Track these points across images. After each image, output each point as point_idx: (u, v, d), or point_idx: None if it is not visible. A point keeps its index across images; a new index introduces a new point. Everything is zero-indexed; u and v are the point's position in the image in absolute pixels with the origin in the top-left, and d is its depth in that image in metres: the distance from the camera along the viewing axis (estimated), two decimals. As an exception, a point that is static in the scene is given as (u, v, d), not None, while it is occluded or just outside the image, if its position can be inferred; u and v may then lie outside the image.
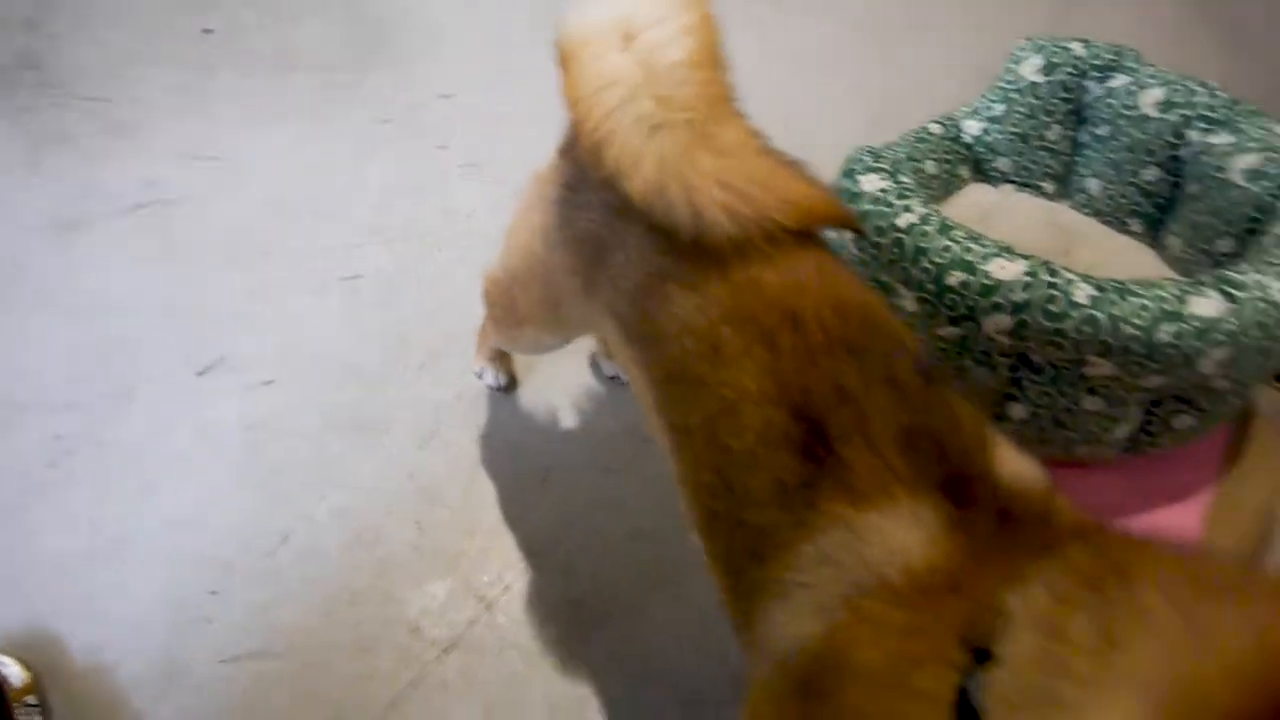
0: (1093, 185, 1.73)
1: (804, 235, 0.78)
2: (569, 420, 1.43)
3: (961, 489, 0.63)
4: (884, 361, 0.70)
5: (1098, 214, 1.73)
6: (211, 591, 1.19)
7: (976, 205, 1.73)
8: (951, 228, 1.21)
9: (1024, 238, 1.67)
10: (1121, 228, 1.71)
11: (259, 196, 1.67)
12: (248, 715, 1.10)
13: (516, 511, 1.30)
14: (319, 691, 1.13)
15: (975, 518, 0.61)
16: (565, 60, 0.79)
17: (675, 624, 1.21)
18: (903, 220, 1.24)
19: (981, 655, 0.51)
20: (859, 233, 0.82)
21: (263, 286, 1.54)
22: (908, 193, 1.27)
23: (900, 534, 0.62)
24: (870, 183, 1.32)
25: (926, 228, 1.21)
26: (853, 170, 1.37)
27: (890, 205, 1.26)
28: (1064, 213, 1.75)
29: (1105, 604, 0.46)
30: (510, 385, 1.44)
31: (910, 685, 0.54)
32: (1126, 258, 1.62)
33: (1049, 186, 1.79)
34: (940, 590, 0.58)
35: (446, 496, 1.31)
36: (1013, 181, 1.78)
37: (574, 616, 1.21)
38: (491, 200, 1.64)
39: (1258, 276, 1.13)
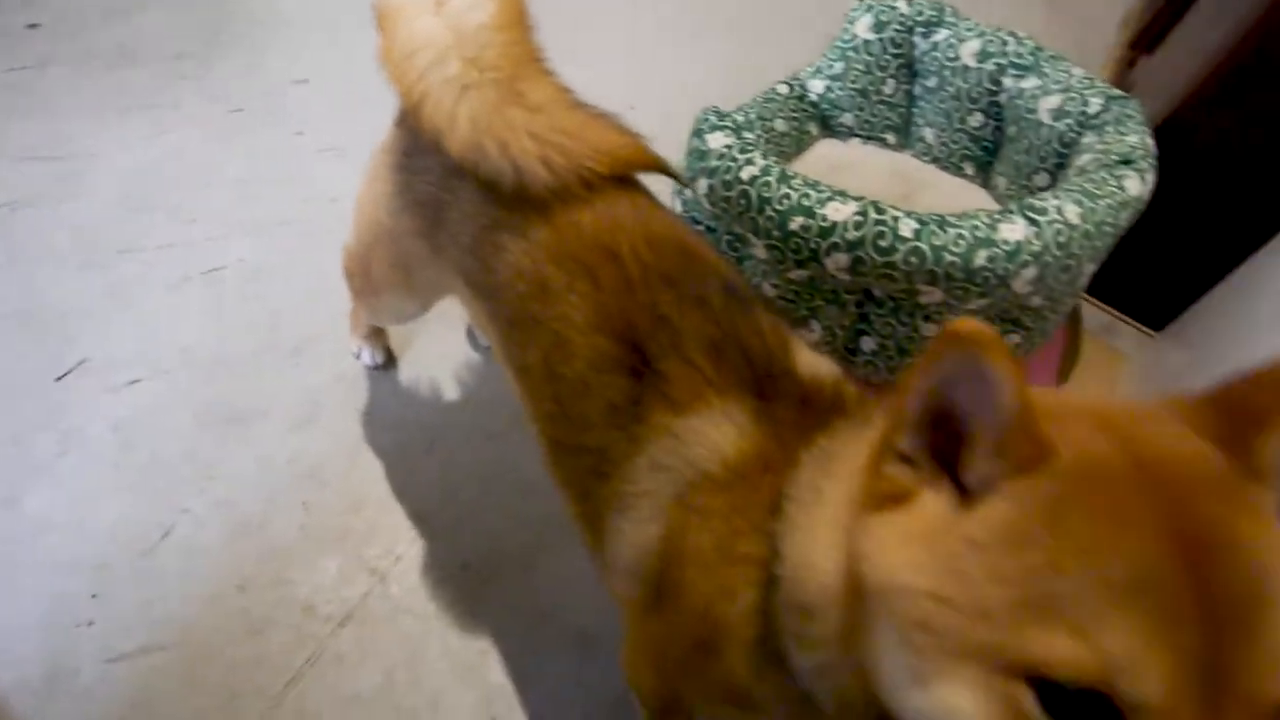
0: (928, 134, 1.86)
1: (620, 180, 0.84)
2: (449, 391, 1.46)
3: (767, 386, 0.71)
4: (694, 286, 0.76)
5: (935, 161, 1.87)
6: (92, 594, 1.17)
7: (825, 159, 1.84)
8: (790, 177, 1.30)
9: (870, 188, 1.78)
10: (957, 172, 1.86)
11: (108, 194, 1.61)
12: (141, 711, 1.10)
13: (402, 483, 1.33)
14: (213, 679, 1.13)
15: (778, 408, 0.69)
16: (381, 24, 0.82)
17: (565, 574, 1.27)
18: (746, 173, 1.32)
19: None
20: (672, 176, 0.89)
21: (120, 285, 1.49)
22: (750, 148, 1.35)
23: (715, 432, 0.69)
24: (716, 140, 1.39)
25: (768, 178, 1.30)
26: (700, 130, 1.44)
27: (735, 160, 1.34)
28: (905, 162, 1.89)
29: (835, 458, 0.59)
30: (388, 362, 1.46)
31: (734, 554, 0.63)
32: (962, 199, 1.76)
33: (891, 138, 1.91)
34: (753, 473, 0.66)
35: (330, 476, 1.32)
36: (858, 136, 1.90)
37: (466, 577, 1.25)
38: (354, 184, 1.62)
39: (1056, 202, 1.26)
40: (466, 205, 0.87)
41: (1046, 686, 0.39)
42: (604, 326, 0.76)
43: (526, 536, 1.30)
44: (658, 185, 1.80)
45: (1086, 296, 1.83)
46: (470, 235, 0.87)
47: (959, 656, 0.41)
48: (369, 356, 1.43)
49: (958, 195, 1.81)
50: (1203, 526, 0.41)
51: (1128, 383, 1.80)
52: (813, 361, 0.75)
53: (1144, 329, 1.81)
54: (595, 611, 1.23)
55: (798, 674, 0.60)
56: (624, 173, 0.84)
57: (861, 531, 0.48)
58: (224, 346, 1.44)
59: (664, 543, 0.70)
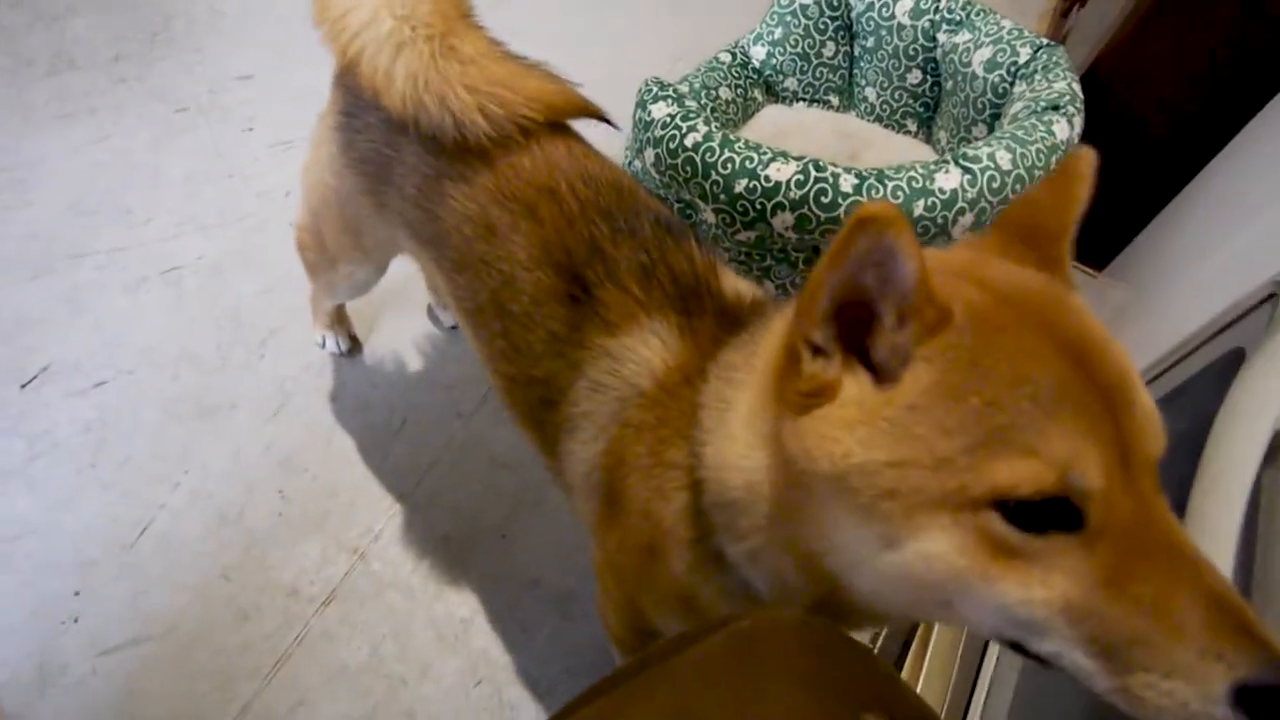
0: (870, 94, 1.91)
1: (556, 127, 0.89)
2: (416, 372, 1.49)
3: (691, 303, 0.76)
4: (628, 218, 0.82)
5: (879, 120, 1.92)
6: (75, 592, 1.19)
7: (773, 124, 1.88)
8: (733, 141, 1.33)
9: (816, 149, 1.83)
10: (900, 129, 1.90)
11: (57, 201, 1.60)
12: (135, 700, 1.12)
13: (376, 464, 1.36)
14: (205, 665, 1.16)
15: (700, 324, 0.74)
16: None
17: (541, 539, 1.31)
18: (689, 140, 1.35)
19: None
20: (603, 119, 0.94)
21: (77, 291, 1.49)
22: (692, 115, 1.39)
23: (644, 349, 0.74)
24: (659, 110, 1.43)
25: (711, 144, 1.33)
26: (644, 100, 1.47)
27: (679, 128, 1.38)
28: (850, 122, 1.93)
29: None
30: (354, 348, 1.48)
31: (663, 460, 0.68)
32: (906, 155, 1.81)
33: (835, 100, 1.96)
34: (678, 385, 0.71)
35: (305, 462, 1.35)
36: (802, 99, 1.94)
37: (446, 550, 1.29)
38: (308, 174, 1.65)
39: (989, 149, 1.31)
40: (409, 158, 0.90)
41: (1009, 506, 0.45)
42: (546, 260, 0.81)
43: (502, 508, 1.34)
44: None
45: (1030, 242, 1.90)
46: (415, 187, 0.90)
47: (928, 508, 0.47)
48: (334, 344, 1.45)
49: (902, 151, 1.86)
50: (1070, 335, 0.48)
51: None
52: (737, 283, 0.80)
53: (1087, 269, 1.88)
54: (572, 575, 1.27)
55: (734, 566, 0.64)
56: (558, 119, 0.89)
57: (796, 434, 0.51)
58: (188, 344, 1.46)
59: (608, 456, 0.75)
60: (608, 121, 0.94)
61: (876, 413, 0.48)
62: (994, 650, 0.95)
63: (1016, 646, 0.50)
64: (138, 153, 1.71)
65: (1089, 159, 0.58)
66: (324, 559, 1.26)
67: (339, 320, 1.45)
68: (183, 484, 1.30)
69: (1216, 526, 0.58)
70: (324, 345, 1.46)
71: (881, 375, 0.49)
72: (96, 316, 1.46)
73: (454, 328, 1.54)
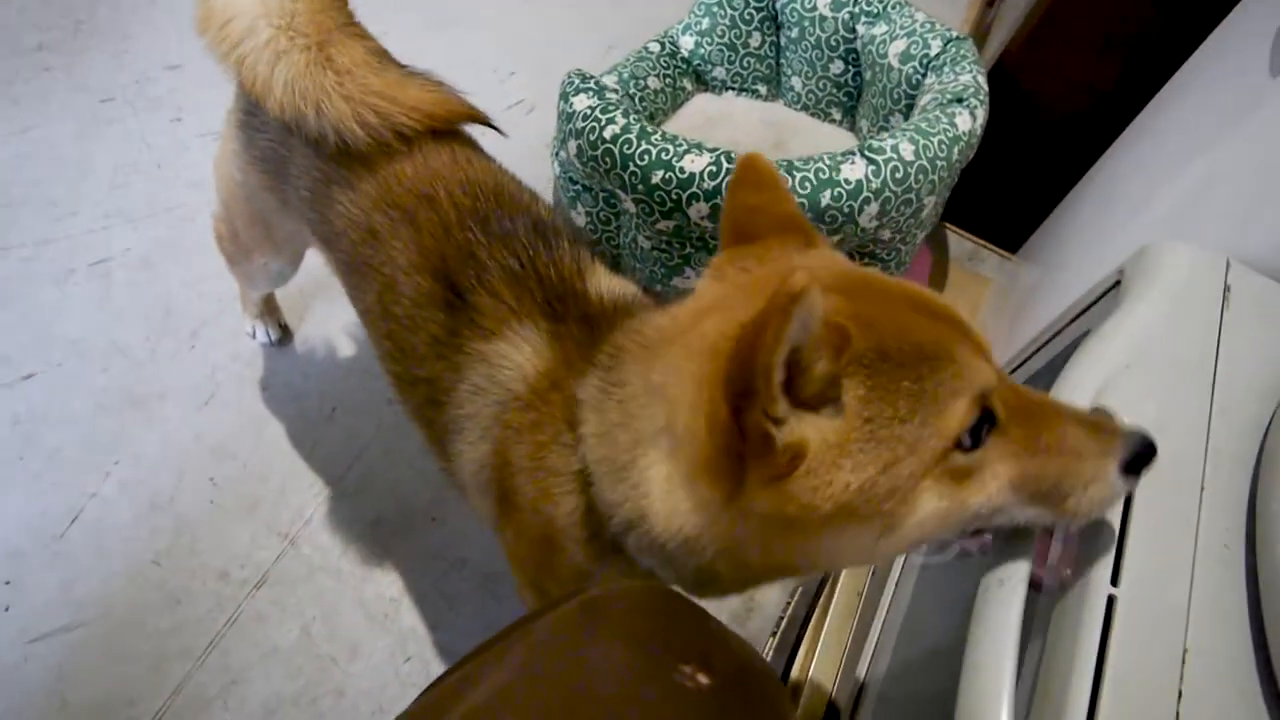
0: (796, 83, 1.96)
1: (442, 133, 0.92)
2: (347, 360, 1.51)
3: (558, 308, 0.79)
4: (504, 224, 0.85)
5: (805, 109, 1.98)
6: (5, 581, 1.21)
7: (701, 113, 1.93)
8: (650, 133, 1.38)
9: (744, 138, 1.89)
10: (825, 118, 1.96)
11: (-21, 195, 1.60)
12: (68, 683, 1.15)
13: (307, 450, 1.39)
14: (137, 648, 1.19)
15: (566, 329, 0.77)
16: None
17: (468, 522, 1.35)
18: (608, 132, 1.39)
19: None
20: (487, 124, 0.98)
21: (3, 283, 1.49)
22: (611, 108, 1.43)
23: (516, 354, 0.78)
24: (580, 102, 1.47)
25: (629, 135, 1.38)
26: (566, 93, 1.50)
27: (598, 120, 1.42)
28: (777, 111, 1.99)
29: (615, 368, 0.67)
30: (284, 338, 1.50)
31: (545, 465, 0.72)
32: (830, 144, 1.87)
33: (762, 89, 2.01)
34: (548, 390, 0.74)
35: (236, 450, 1.38)
36: (731, 89, 1.99)
37: (375, 533, 1.33)
38: (239, 165, 1.65)
39: (893, 141, 1.37)
40: (301, 160, 0.93)
41: (962, 441, 0.55)
42: (424, 266, 0.84)
43: (431, 493, 1.38)
44: (538, 152, 1.83)
45: (951, 226, 1.98)
46: (308, 189, 0.94)
47: (915, 483, 0.55)
48: (264, 334, 1.47)
49: (827, 140, 1.92)
50: (903, 293, 0.59)
51: (991, 301, 1.96)
52: (607, 284, 0.83)
53: (1003, 252, 1.97)
54: (498, 555, 1.31)
55: (638, 560, 0.68)
56: (439, 126, 0.91)
57: (779, 496, 0.54)
58: (118, 335, 1.47)
59: (495, 457, 0.79)
60: (494, 128, 0.98)
61: (847, 440, 0.53)
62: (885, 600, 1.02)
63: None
64: (63, 144, 1.69)
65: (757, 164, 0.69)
66: (255, 544, 1.30)
67: (268, 310, 1.47)
68: (113, 473, 1.32)
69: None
70: (254, 335, 1.48)
71: (819, 407, 0.53)
72: (23, 309, 1.47)
73: (385, 316, 1.57)
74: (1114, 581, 0.59)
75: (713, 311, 0.61)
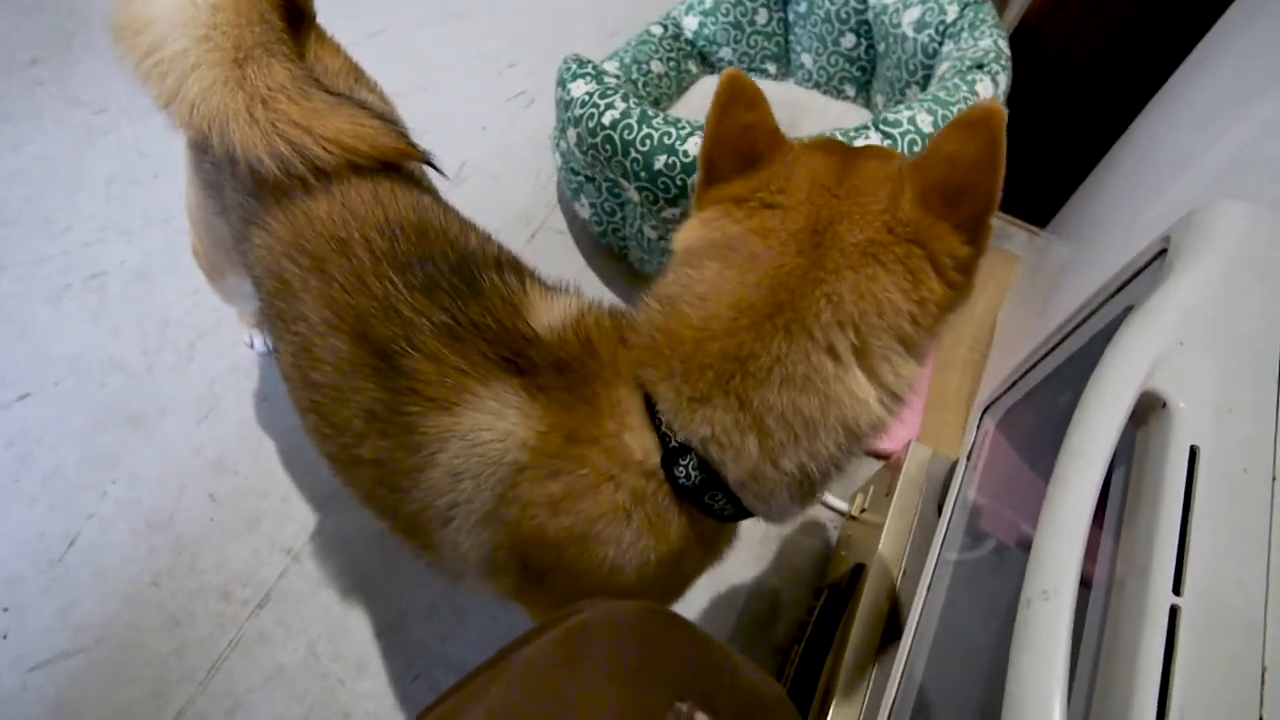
0: (807, 60, 1.88)
1: (373, 168, 0.80)
2: (348, 368, 1.47)
3: (521, 362, 0.68)
4: (426, 268, 0.73)
5: (817, 86, 1.89)
6: (3, 608, 1.18)
7: (708, 96, 1.84)
8: (651, 117, 1.31)
9: (754, 118, 1.81)
10: (838, 95, 1.88)
11: (-26, 212, 1.57)
12: (68, 712, 1.11)
13: (309, 462, 1.34)
14: (137, 674, 1.15)
15: (542, 380, 0.67)
16: None
17: (478, 529, 1.30)
18: (607, 118, 1.33)
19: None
20: (424, 161, 0.87)
21: (-1, 303, 1.47)
22: (610, 92, 1.36)
23: (500, 422, 0.66)
24: (578, 88, 1.40)
25: (629, 120, 1.31)
26: (564, 79, 1.44)
27: (596, 106, 1.35)
28: (788, 90, 1.91)
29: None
30: None
31: (612, 518, 0.64)
32: (843, 121, 1.78)
33: (772, 68, 1.93)
34: (566, 446, 0.65)
35: (236, 464, 1.33)
36: (739, 69, 1.91)
37: (380, 545, 1.28)
38: (234, 171, 1.61)
39: (910, 113, 1.29)
40: (229, 192, 0.85)
41: None
42: (340, 326, 0.72)
43: (437, 499, 1.33)
44: (540, 143, 1.76)
45: (976, 203, 1.88)
46: (237, 225, 0.85)
47: None
48: (262, 343, 1.43)
49: (840, 117, 1.84)
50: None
51: (1021, 280, 1.86)
52: (548, 314, 0.72)
53: (1031, 227, 1.87)
54: (507, 561, 1.27)
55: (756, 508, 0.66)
56: (362, 162, 0.80)
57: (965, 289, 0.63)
58: (114, 350, 1.43)
59: (511, 537, 0.68)
60: (433, 166, 0.88)
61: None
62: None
63: None
64: (58, 158, 1.66)
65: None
66: (257, 561, 1.25)
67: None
68: (110, 493, 1.29)
69: (1074, 484, 0.57)
70: (252, 345, 1.44)
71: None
72: (19, 328, 1.44)
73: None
74: (1176, 589, 0.52)
75: (826, 231, 0.60)
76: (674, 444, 0.63)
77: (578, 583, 0.69)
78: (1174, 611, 0.51)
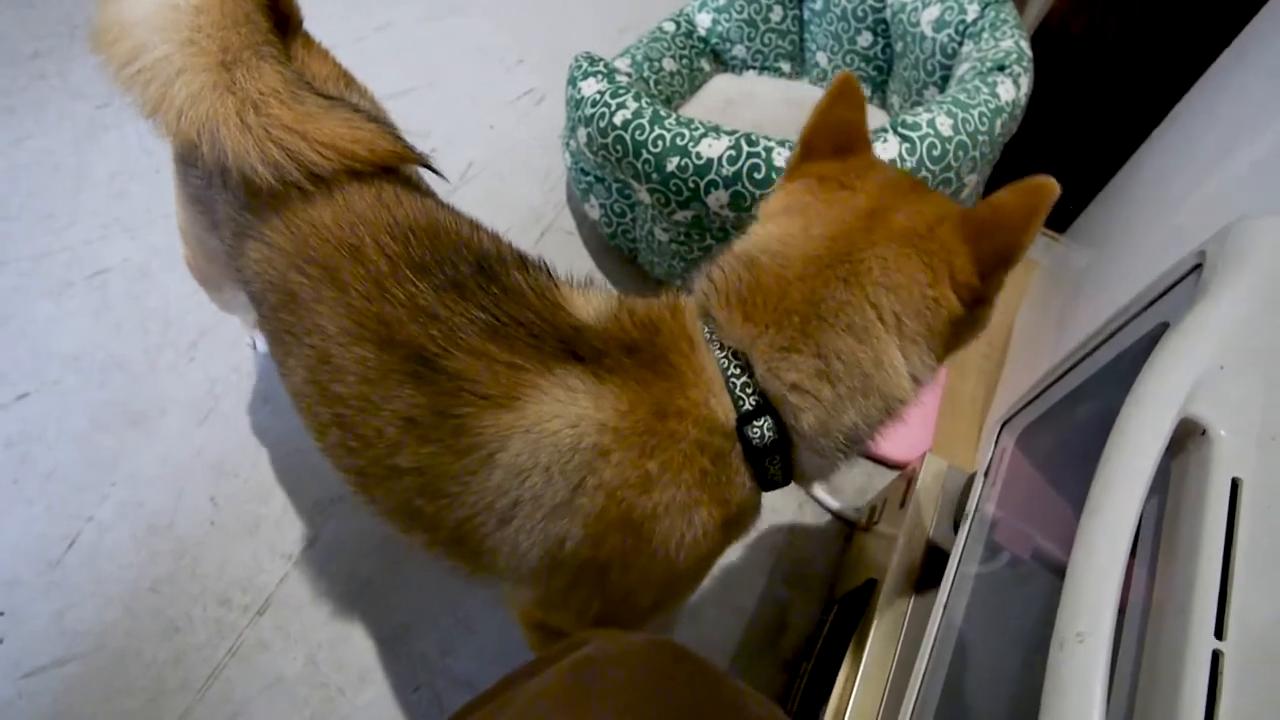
0: (821, 59, 1.84)
1: (371, 173, 0.78)
2: (352, 370, 1.44)
3: (577, 348, 0.68)
4: (448, 271, 0.71)
5: (832, 85, 1.86)
6: (0, 613, 1.16)
7: (721, 94, 1.82)
8: (664, 117, 1.28)
9: (766, 119, 1.78)
10: (854, 94, 1.84)
11: (-24, 207, 1.55)
12: (63, 721, 1.10)
13: (312, 465, 1.32)
14: (134, 681, 1.13)
15: (610, 363, 0.67)
16: (100, 5, 0.77)
17: (482, 536, 1.28)
18: (619, 118, 1.30)
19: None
20: (423, 164, 0.84)
21: None
22: (622, 91, 1.33)
23: (570, 409, 0.65)
24: (589, 87, 1.37)
25: (641, 121, 1.28)
26: (574, 77, 1.41)
27: (608, 105, 1.32)
28: (801, 89, 1.87)
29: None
30: None
31: (705, 483, 0.67)
32: (859, 121, 1.75)
33: (785, 66, 1.90)
34: (654, 420, 0.65)
35: (237, 467, 1.31)
36: (752, 67, 1.88)
37: (384, 552, 1.25)
38: (239, 168, 1.59)
39: (929, 115, 1.26)
40: (221, 207, 0.82)
41: None
42: (362, 334, 0.70)
43: (441, 505, 1.30)
44: (549, 143, 1.74)
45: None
46: (230, 241, 0.81)
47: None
48: (263, 344, 1.41)
49: (855, 118, 1.80)
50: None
51: (1039, 287, 1.82)
52: (585, 305, 0.73)
53: (1050, 233, 1.83)
54: (512, 570, 1.24)
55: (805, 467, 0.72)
56: (360, 167, 0.77)
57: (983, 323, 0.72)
58: (115, 349, 1.41)
59: (587, 526, 0.67)
60: (432, 169, 0.84)
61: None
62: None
63: None
64: (61, 153, 1.64)
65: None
66: (257, 566, 1.23)
67: None
68: (110, 495, 1.27)
69: (1110, 520, 0.54)
70: (255, 347, 1.42)
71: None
72: (19, 326, 1.42)
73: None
74: (1219, 633, 0.49)
75: (881, 213, 0.68)
76: (748, 406, 0.67)
77: (643, 567, 0.70)
78: (1216, 657, 0.48)
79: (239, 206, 0.78)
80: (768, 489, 0.73)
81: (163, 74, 0.72)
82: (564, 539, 0.69)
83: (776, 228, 0.71)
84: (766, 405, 0.67)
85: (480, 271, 0.72)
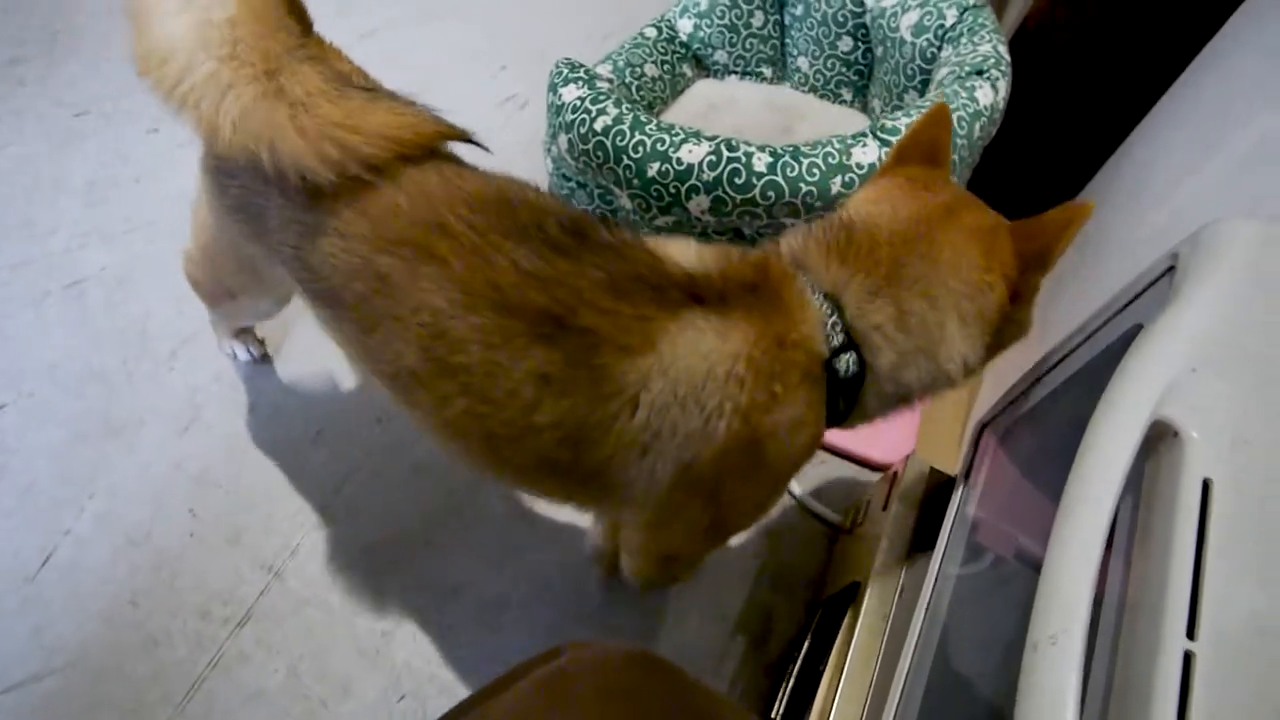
0: (803, 64, 1.85)
1: (416, 157, 0.80)
2: (331, 379, 1.43)
3: (695, 292, 0.75)
4: (540, 235, 0.76)
5: (813, 90, 1.87)
6: (-26, 629, 1.15)
7: (704, 99, 1.82)
8: (644, 123, 1.28)
9: (749, 124, 1.78)
10: (835, 99, 1.85)
11: (-48, 215, 1.54)
12: (40, 738, 1.08)
13: (293, 475, 1.31)
14: (113, 696, 1.11)
15: (732, 302, 0.75)
16: (133, 20, 0.78)
17: (465, 546, 1.27)
18: (599, 124, 1.30)
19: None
20: (468, 140, 0.87)
21: (-24, 312, 1.43)
22: (602, 97, 1.33)
23: (703, 344, 0.73)
24: (570, 93, 1.37)
25: (621, 127, 1.28)
26: (555, 83, 1.41)
27: (589, 111, 1.32)
28: (783, 94, 1.88)
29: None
30: (265, 356, 1.42)
31: (804, 393, 0.76)
32: (840, 126, 1.76)
33: (767, 71, 1.90)
34: (776, 349, 0.75)
35: (218, 477, 1.30)
36: (734, 72, 1.89)
37: (366, 562, 1.25)
38: (220, 176, 1.58)
39: (908, 120, 1.26)
40: (278, 211, 0.82)
41: None
42: (475, 303, 0.73)
43: (424, 516, 1.30)
44: (532, 149, 1.74)
45: (973, 210, 1.85)
46: (292, 244, 0.83)
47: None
48: (244, 352, 1.40)
49: (837, 122, 1.81)
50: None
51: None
52: (680, 254, 0.79)
53: (1030, 235, 1.84)
54: (498, 581, 1.24)
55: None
56: (410, 152, 0.80)
57: (1022, 327, 0.84)
58: (94, 359, 1.40)
59: (715, 449, 0.75)
60: (476, 143, 0.86)
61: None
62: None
63: None
64: (38, 160, 1.63)
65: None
66: (238, 578, 1.22)
67: (243, 330, 1.39)
68: (88, 508, 1.25)
69: (1082, 524, 0.54)
70: (235, 356, 1.41)
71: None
72: (-4, 336, 1.40)
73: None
74: (1190, 634, 0.49)
75: (954, 210, 0.80)
76: (837, 342, 0.77)
77: (756, 479, 0.81)
78: (1188, 658, 0.48)
79: (302, 208, 0.80)
80: (830, 424, 0.83)
81: (211, 92, 0.74)
82: (694, 460, 0.76)
83: (868, 209, 0.83)
84: (851, 344, 0.78)
85: (572, 233, 0.77)
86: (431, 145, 0.82)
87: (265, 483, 1.31)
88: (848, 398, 0.81)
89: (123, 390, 1.37)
